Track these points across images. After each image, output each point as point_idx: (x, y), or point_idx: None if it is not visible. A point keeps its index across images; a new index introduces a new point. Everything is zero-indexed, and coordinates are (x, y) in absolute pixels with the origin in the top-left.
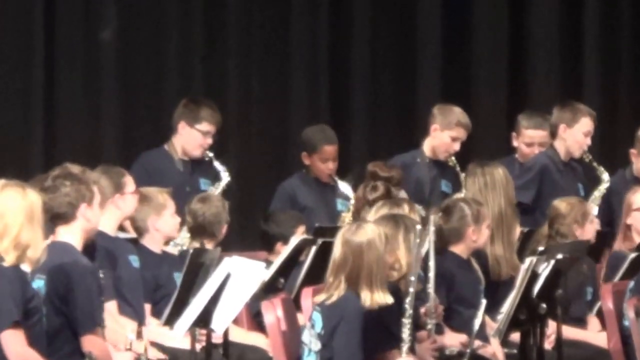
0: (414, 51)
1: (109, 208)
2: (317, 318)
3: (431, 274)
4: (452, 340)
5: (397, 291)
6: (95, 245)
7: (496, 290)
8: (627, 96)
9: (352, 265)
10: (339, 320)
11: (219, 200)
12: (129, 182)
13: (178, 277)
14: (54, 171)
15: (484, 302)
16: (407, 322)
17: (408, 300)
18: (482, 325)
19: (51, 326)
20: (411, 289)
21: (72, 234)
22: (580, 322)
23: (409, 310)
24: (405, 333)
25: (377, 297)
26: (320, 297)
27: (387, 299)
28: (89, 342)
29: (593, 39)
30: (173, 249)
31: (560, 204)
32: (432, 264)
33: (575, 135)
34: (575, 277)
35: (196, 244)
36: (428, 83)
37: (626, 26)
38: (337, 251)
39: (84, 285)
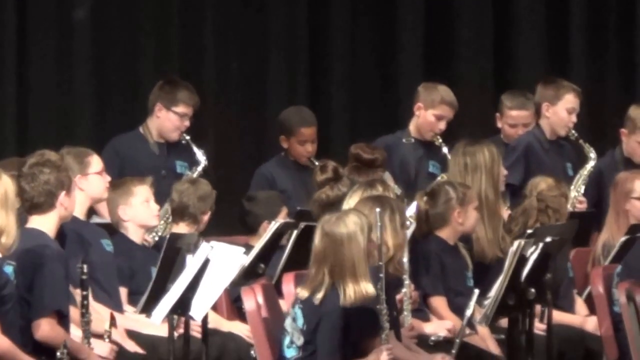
0: (396, 30)
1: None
2: (299, 314)
3: (405, 259)
4: (436, 327)
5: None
6: (64, 231)
7: (484, 274)
8: (615, 74)
9: (334, 259)
10: (320, 318)
11: (208, 186)
12: (93, 162)
13: (154, 272)
14: (31, 158)
15: (476, 291)
16: (382, 308)
17: (378, 285)
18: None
19: (21, 319)
20: (405, 276)
21: (47, 222)
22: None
23: (382, 296)
24: (382, 320)
25: (361, 289)
26: (304, 293)
27: (369, 290)
28: (45, 326)
29: (580, 15)
30: (147, 236)
31: (541, 181)
32: (405, 248)
33: (559, 112)
34: (562, 261)
35: (175, 230)
36: (410, 62)
37: (613, 2)
38: (317, 243)
39: (50, 271)
